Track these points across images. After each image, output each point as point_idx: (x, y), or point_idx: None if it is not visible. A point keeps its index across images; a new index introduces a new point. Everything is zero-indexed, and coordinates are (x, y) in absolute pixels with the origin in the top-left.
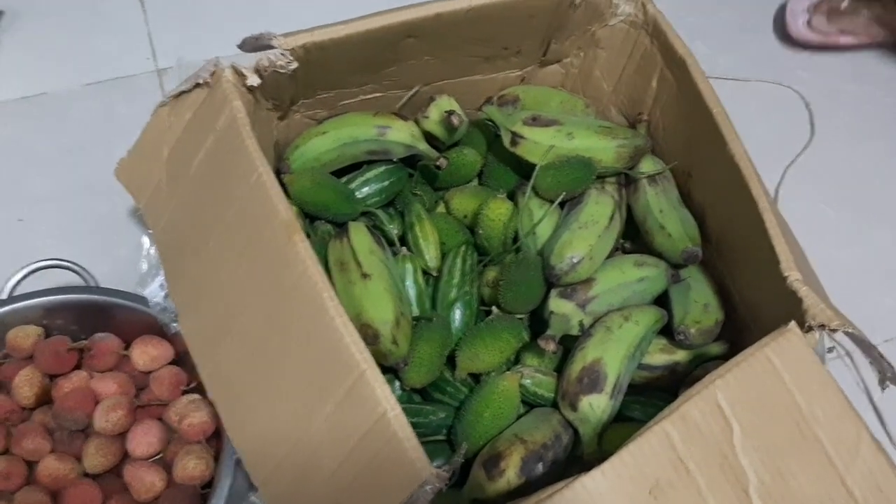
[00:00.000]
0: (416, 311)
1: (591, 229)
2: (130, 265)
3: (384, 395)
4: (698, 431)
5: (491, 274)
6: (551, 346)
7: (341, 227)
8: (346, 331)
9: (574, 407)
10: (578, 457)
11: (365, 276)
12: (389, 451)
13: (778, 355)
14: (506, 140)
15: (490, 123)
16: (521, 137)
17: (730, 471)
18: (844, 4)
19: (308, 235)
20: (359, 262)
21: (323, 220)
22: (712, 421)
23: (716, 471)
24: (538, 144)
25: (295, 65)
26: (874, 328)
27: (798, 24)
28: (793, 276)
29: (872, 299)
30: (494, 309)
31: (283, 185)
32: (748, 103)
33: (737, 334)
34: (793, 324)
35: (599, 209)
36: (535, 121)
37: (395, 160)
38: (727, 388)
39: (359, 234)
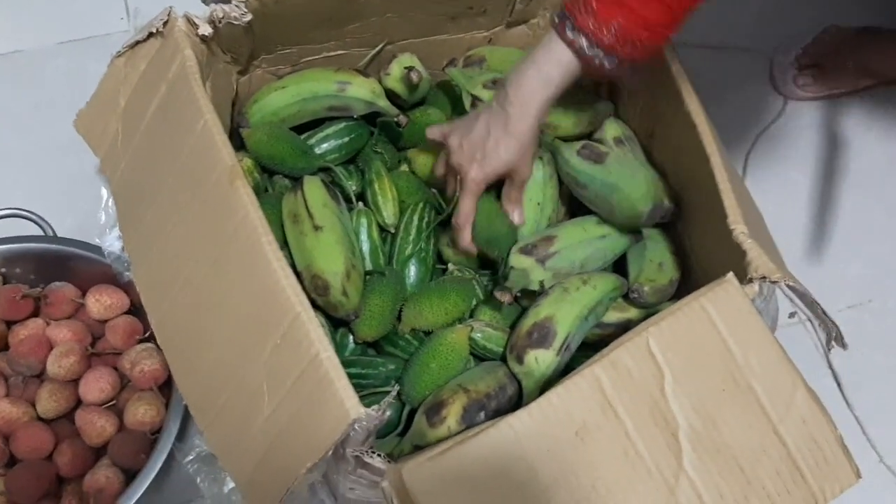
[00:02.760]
0: (370, 266)
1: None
2: (93, 219)
3: (318, 337)
4: (629, 376)
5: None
6: (507, 298)
7: (296, 181)
8: (284, 274)
9: (520, 360)
10: None
11: (317, 227)
12: (322, 391)
13: (714, 305)
14: (466, 103)
15: (455, 84)
16: (481, 101)
17: (659, 416)
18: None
19: (266, 189)
20: (311, 214)
21: (281, 175)
22: (644, 367)
23: (645, 415)
24: None
25: (249, 17)
26: (840, 294)
27: (787, 81)
28: (739, 228)
29: (839, 266)
30: (450, 266)
31: (241, 138)
32: (723, 71)
33: None
34: (730, 275)
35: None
36: (495, 84)
37: (355, 117)
38: (660, 335)
39: (312, 187)
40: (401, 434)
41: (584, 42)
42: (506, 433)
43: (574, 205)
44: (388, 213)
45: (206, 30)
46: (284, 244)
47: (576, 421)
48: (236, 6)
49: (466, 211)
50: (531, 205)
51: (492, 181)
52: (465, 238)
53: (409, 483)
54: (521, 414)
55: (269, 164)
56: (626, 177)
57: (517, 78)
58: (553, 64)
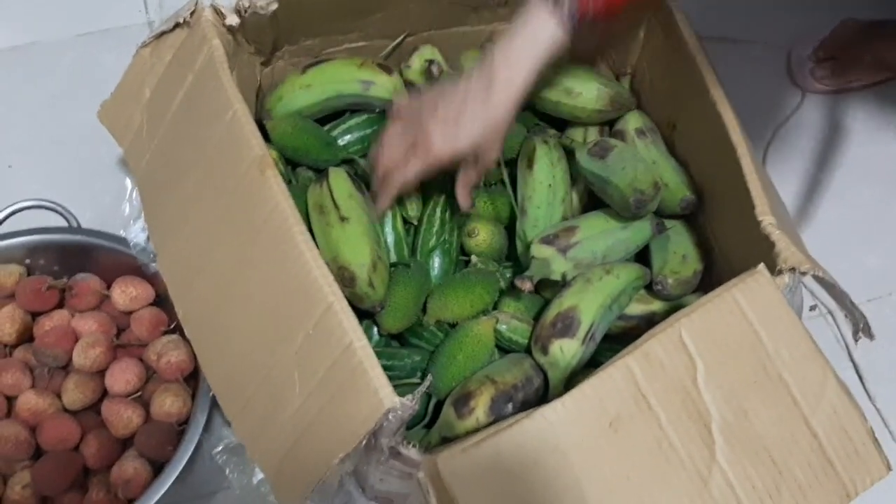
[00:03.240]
0: (394, 258)
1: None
2: (115, 210)
3: (351, 327)
4: (661, 368)
5: (471, 224)
6: (527, 286)
7: (321, 173)
8: (316, 264)
9: (545, 350)
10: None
11: (343, 219)
12: (355, 381)
13: (745, 296)
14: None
15: None
16: None
17: (692, 407)
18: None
19: (289, 182)
20: (337, 206)
21: (305, 167)
22: (676, 358)
23: (678, 407)
24: None
25: (275, 6)
26: (859, 287)
27: (805, 74)
28: (767, 220)
29: (858, 258)
30: (473, 258)
31: (264, 130)
32: (740, 64)
33: (717, 286)
34: (761, 266)
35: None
36: None
37: (377, 110)
38: (692, 326)
39: (338, 179)
40: (427, 426)
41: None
42: (540, 424)
43: (596, 197)
44: (411, 205)
45: (233, 20)
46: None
47: (609, 412)
48: None
49: (410, 179)
50: (542, 187)
51: (454, 160)
52: (385, 202)
53: (444, 474)
54: (556, 405)
55: (294, 156)
56: (616, 170)
57: (506, 44)
58: (540, 27)
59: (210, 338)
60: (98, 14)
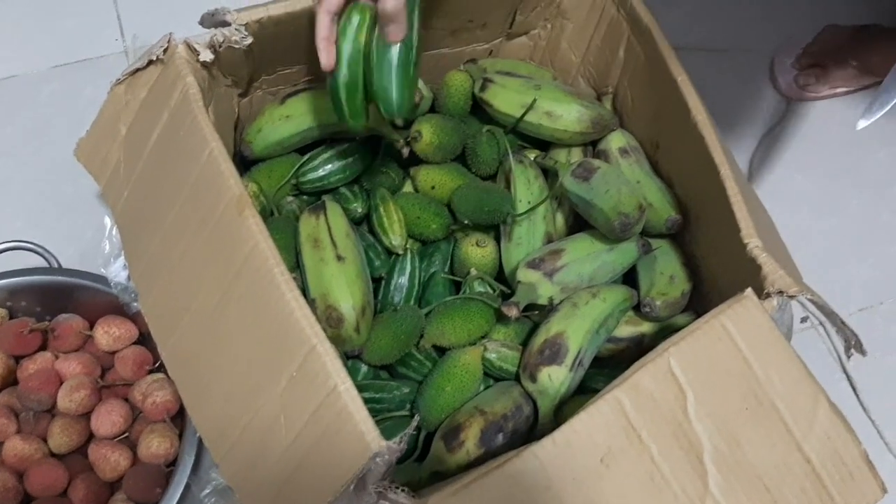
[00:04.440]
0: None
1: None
2: (96, 247)
3: (335, 369)
4: (651, 399)
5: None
6: (514, 312)
7: (316, 203)
8: (297, 305)
9: (533, 378)
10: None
11: (340, 258)
12: (340, 424)
13: (734, 322)
14: (476, 86)
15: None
16: (491, 82)
17: (684, 438)
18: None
19: (271, 213)
20: (335, 243)
21: (289, 199)
22: (666, 388)
23: (669, 438)
24: (506, 88)
25: (249, 40)
26: (849, 297)
27: (789, 81)
28: (752, 242)
29: (847, 268)
30: (472, 271)
31: (243, 164)
32: (724, 73)
33: (705, 306)
34: (749, 291)
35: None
36: (507, 74)
37: (357, 138)
38: (681, 355)
39: (336, 214)
40: (418, 459)
41: None
42: (530, 463)
43: (582, 218)
44: (395, 235)
45: (206, 56)
46: (295, 267)
47: (600, 447)
48: (236, 30)
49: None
50: (521, 205)
51: None
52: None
53: None
54: (545, 442)
55: None
56: (600, 193)
57: None
58: None
59: (194, 379)
60: (75, 45)
